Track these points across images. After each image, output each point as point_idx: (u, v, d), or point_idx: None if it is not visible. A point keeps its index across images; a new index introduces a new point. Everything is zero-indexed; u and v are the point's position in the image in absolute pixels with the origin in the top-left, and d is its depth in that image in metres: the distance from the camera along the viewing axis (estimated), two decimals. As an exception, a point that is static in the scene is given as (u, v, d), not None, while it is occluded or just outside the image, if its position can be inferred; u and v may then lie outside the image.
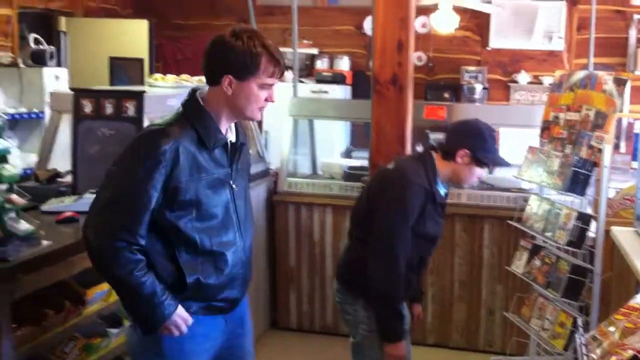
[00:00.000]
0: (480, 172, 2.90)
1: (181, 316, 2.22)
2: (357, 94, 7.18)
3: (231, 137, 2.33)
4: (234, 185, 2.32)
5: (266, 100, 2.27)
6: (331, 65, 7.44)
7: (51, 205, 3.15)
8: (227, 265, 2.29)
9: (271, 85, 2.26)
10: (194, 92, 2.31)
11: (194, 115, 2.23)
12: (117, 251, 2.11)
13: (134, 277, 2.12)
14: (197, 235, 2.22)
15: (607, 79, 3.52)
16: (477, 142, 2.83)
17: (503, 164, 2.97)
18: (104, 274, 2.23)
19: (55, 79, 5.41)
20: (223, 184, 2.29)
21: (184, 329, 2.23)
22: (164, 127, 2.18)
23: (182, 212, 2.19)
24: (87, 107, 3.43)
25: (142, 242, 2.16)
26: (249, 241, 2.41)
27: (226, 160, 2.30)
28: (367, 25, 7.23)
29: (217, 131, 2.26)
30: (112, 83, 6.73)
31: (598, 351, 1.85)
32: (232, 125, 2.35)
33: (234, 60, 2.19)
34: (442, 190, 2.92)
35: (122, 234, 2.12)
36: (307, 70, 7.45)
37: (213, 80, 2.25)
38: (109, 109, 3.43)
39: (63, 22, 6.83)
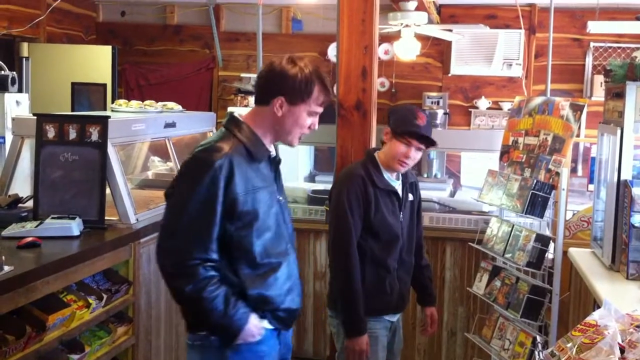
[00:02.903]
0: (404, 148, 2.92)
1: (255, 325, 2.30)
2: (320, 118, 7.21)
3: (272, 151, 2.43)
4: (280, 198, 2.42)
5: (309, 127, 2.40)
6: (295, 91, 7.48)
7: (12, 230, 3.12)
8: (285, 275, 2.38)
9: (317, 113, 2.40)
10: (232, 113, 2.40)
11: (239, 131, 2.32)
12: (192, 270, 2.18)
13: (208, 292, 2.18)
14: (256, 248, 2.29)
15: (564, 104, 3.62)
16: (394, 118, 2.99)
17: (419, 134, 2.90)
18: (178, 295, 2.27)
19: (17, 105, 5.36)
20: (272, 197, 2.37)
21: (258, 336, 2.30)
22: (213, 144, 2.26)
23: (241, 224, 2.26)
24: (51, 132, 3.42)
25: (215, 256, 2.23)
26: (294, 253, 2.50)
27: (272, 175, 2.40)
28: (331, 51, 7.32)
29: (263, 144, 2.35)
30: (73, 109, 6.68)
31: (556, 367, 1.89)
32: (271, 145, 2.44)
33: (290, 84, 2.31)
34: (392, 182, 3.01)
35: (196, 253, 2.19)
36: (271, 96, 7.48)
37: (263, 101, 2.35)
38: (72, 134, 3.43)
39: (25, 48, 6.78)
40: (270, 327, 2.38)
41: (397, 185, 3.04)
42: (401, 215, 3.04)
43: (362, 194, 2.91)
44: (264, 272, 2.32)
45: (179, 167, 4.27)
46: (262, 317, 2.34)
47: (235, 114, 2.40)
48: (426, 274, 3.27)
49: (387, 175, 3.01)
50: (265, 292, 2.32)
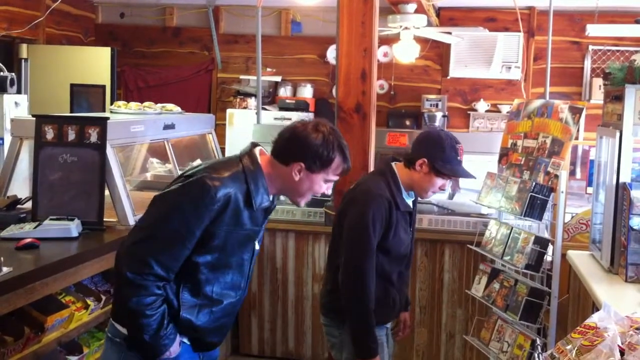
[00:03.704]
0: (441, 182, 2.89)
1: (177, 343, 2.27)
2: (320, 121, 7.23)
3: (271, 200, 2.40)
4: (256, 243, 2.40)
5: (322, 192, 2.39)
6: (294, 93, 7.51)
7: (11, 231, 3.12)
8: (222, 312, 2.35)
9: (333, 181, 2.38)
10: (254, 146, 2.38)
11: (251, 173, 2.29)
12: (145, 283, 2.14)
13: (150, 310, 2.16)
14: (206, 280, 2.27)
15: (563, 107, 3.62)
16: (435, 152, 2.85)
17: (463, 174, 2.93)
18: (121, 300, 2.22)
19: (16, 106, 5.36)
20: (250, 241, 2.35)
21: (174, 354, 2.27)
22: (221, 176, 2.22)
23: (205, 255, 2.24)
24: (49, 133, 3.42)
25: (172, 276, 2.21)
26: (245, 293, 2.47)
27: (261, 220, 2.37)
28: (330, 54, 7.33)
29: (267, 194, 2.32)
30: (72, 110, 6.69)
31: (555, 370, 1.89)
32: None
33: (312, 153, 2.29)
34: (408, 200, 2.94)
35: (157, 270, 2.15)
36: (271, 98, 7.51)
37: (282, 160, 2.33)
38: (71, 135, 3.42)
39: (24, 49, 6.79)
40: (188, 343, 2.36)
41: (411, 202, 2.99)
42: (410, 231, 3.02)
43: (387, 219, 2.83)
44: (202, 304, 2.30)
45: (179, 172, 4.29)
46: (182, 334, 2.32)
47: (256, 151, 2.36)
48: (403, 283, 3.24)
49: (404, 194, 2.93)
50: (196, 321, 2.30)
